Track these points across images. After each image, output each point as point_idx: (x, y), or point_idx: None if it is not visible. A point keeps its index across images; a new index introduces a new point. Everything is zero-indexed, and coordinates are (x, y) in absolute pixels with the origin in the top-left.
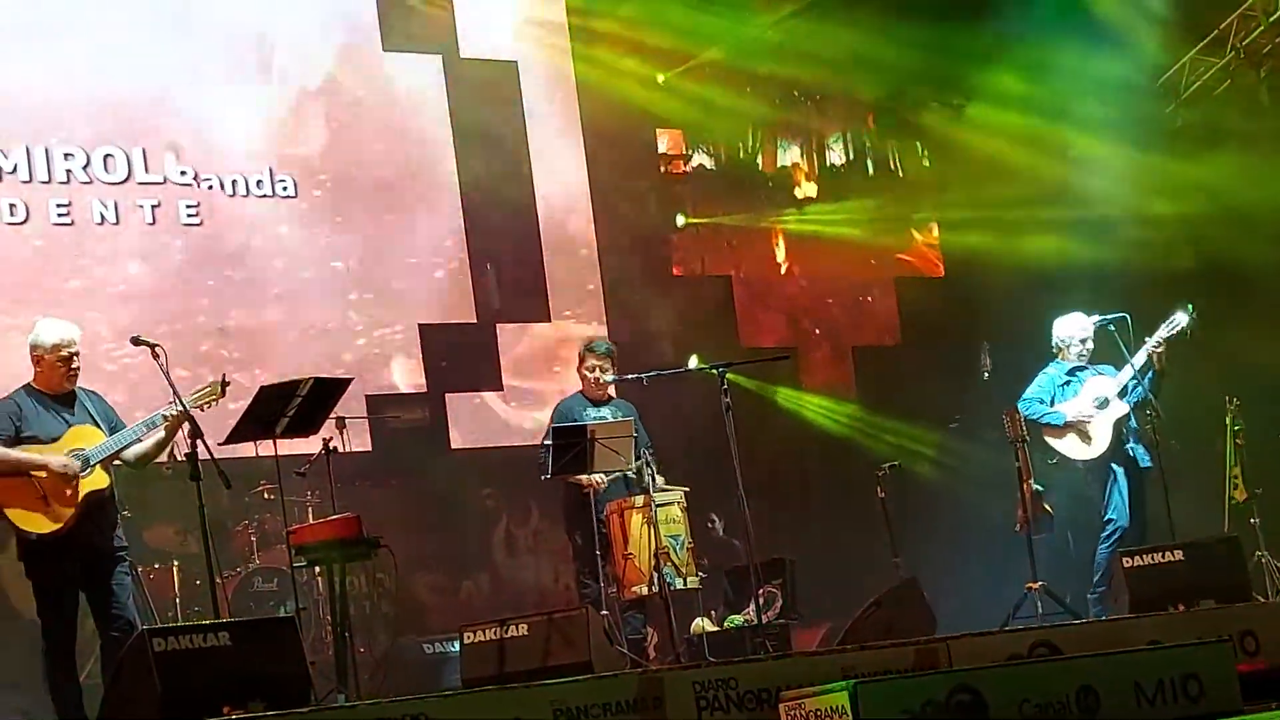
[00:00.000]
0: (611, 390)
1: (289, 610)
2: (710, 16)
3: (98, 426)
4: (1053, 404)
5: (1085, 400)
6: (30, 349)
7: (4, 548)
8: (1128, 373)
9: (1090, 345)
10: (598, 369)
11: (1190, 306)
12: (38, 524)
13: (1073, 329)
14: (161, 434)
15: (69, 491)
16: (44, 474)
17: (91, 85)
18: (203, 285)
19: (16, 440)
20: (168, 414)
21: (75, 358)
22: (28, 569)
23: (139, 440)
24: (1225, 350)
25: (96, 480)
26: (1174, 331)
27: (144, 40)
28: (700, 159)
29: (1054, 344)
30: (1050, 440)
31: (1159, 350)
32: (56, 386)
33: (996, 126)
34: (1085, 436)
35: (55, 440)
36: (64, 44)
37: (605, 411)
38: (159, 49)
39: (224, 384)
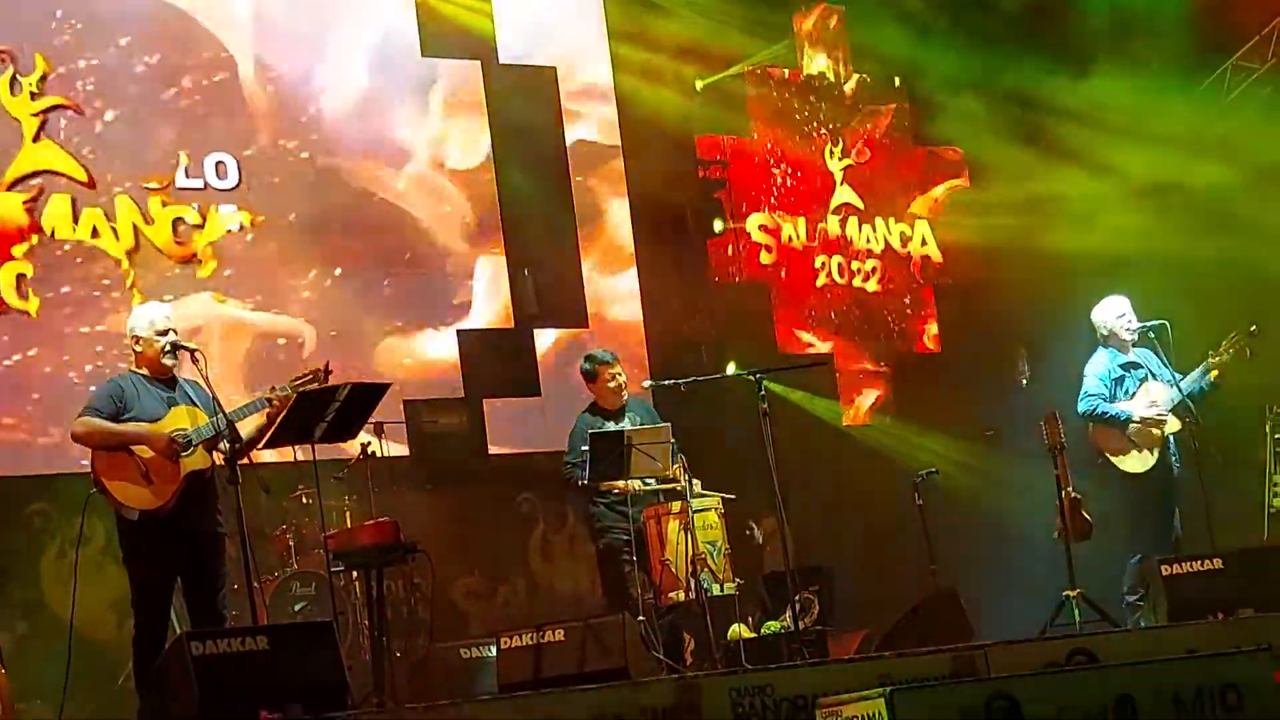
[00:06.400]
0: (624, 395)
1: (326, 615)
2: (748, 26)
3: (198, 409)
4: (1110, 400)
5: (1142, 404)
6: (130, 336)
7: (43, 551)
8: (1177, 390)
9: (1134, 323)
10: (617, 378)
11: (1254, 327)
12: (140, 499)
13: (1113, 311)
14: (263, 419)
15: (172, 469)
16: (148, 451)
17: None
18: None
19: (119, 420)
20: (270, 397)
21: (174, 333)
22: (126, 553)
23: (240, 422)
24: (1264, 358)
25: (198, 460)
26: (1235, 350)
27: (192, 47)
28: (738, 164)
29: (1099, 332)
30: (1103, 445)
31: (1222, 363)
32: (158, 368)
33: (1038, 133)
34: (1143, 444)
35: (158, 421)
36: None
37: (625, 421)
38: (209, 58)
39: (326, 370)
